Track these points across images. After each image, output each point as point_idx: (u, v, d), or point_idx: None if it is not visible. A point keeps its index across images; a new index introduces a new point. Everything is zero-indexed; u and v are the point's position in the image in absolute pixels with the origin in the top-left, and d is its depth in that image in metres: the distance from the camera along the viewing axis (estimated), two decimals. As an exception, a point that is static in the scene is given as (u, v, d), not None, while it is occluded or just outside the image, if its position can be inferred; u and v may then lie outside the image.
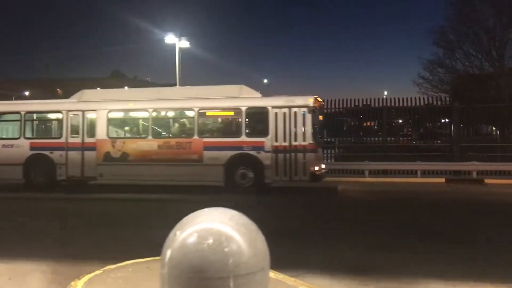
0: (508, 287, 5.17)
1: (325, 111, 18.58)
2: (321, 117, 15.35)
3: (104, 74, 74.60)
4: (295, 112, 14.06)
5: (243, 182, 14.23)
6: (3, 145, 16.01)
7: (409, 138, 27.14)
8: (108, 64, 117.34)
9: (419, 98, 23.19)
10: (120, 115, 16.27)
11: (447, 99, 27.08)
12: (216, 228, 2.62)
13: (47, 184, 15.42)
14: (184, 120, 15.74)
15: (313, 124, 14.07)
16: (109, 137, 15.41)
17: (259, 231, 2.79)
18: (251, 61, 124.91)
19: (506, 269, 5.83)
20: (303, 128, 14.01)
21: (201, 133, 14.87)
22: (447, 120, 24.73)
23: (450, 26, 30.39)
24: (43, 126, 17.33)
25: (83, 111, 15.71)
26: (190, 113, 15.27)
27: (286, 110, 14.13)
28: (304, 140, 13.97)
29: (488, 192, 15.22)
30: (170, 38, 26.67)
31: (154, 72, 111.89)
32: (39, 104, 17.86)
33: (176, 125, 15.86)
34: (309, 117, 13.98)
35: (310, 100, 14.18)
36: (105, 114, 15.47)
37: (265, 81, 59.12)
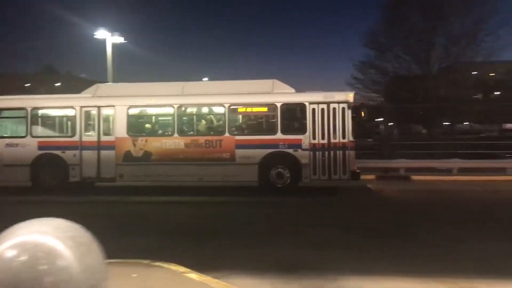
0: (424, 281, 5.39)
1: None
2: (362, 113, 14.75)
3: (36, 69, 70.76)
4: (334, 108, 13.53)
5: (279, 181, 13.51)
6: (7, 144, 14.36)
7: None
8: (40, 59, 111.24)
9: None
10: (141, 111, 14.89)
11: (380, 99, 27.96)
12: (35, 241, 2.26)
13: (57, 186, 13.92)
14: (214, 116, 14.60)
15: (353, 121, 13.57)
16: (130, 135, 14.07)
17: (93, 243, 2.45)
18: (191, 58, 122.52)
19: (427, 263, 6.10)
20: (343, 125, 13.45)
21: (233, 131, 13.97)
22: (380, 119, 25.48)
23: (380, 29, 31.56)
24: (53, 123, 15.47)
25: (99, 107, 14.30)
26: (220, 109, 14.14)
27: (324, 106, 13.57)
28: (344, 137, 13.42)
29: (415, 189, 15.45)
30: (101, 33, 25.35)
31: (89, 69, 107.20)
32: (49, 99, 15.71)
33: (205, 122, 14.62)
34: (349, 113, 13.49)
35: (350, 96, 13.76)
36: (125, 110, 14.13)
37: (205, 79, 58.13)
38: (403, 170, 18.96)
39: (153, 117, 14.98)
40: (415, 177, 17.99)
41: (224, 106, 13.91)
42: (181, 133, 14.07)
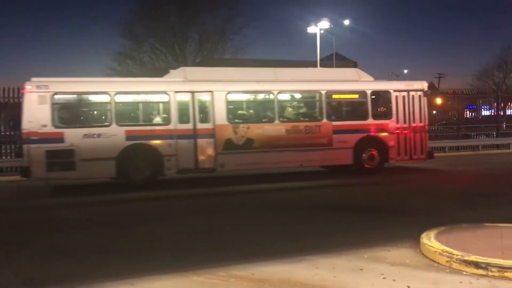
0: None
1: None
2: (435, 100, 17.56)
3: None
4: (413, 96, 15.17)
5: (371, 163, 14.68)
6: (86, 135, 12.38)
7: None
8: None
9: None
10: (241, 97, 14.40)
11: None
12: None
13: (149, 181, 12.84)
14: (312, 103, 15.08)
15: (428, 106, 15.66)
16: (230, 122, 13.53)
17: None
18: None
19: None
20: (420, 110, 15.20)
21: (330, 117, 14.49)
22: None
23: (136, 20, 31.18)
24: (141, 110, 13.86)
25: (192, 92, 13.32)
26: (317, 96, 14.59)
27: (405, 93, 15.12)
28: (421, 121, 15.22)
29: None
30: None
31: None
32: (135, 83, 14.47)
33: (304, 108, 15.07)
34: (425, 100, 15.36)
35: (425, 85, 15.82)
36: (223, 96, 13.46)
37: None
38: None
39: (254, 103, 14.72)
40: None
41: (321, 93, 14.41)
42: (282, 119, 14.17)
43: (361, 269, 5.32)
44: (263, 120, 14.24)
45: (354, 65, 40.03)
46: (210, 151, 13.29)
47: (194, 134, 13.21)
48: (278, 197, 11.33)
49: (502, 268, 4.86)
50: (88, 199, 11.75)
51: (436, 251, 5.49)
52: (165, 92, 13.25)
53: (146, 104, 13.91)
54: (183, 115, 13.24)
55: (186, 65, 27.05)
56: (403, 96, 15.10)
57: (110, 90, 12.82)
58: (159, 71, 22.94)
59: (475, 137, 25.55)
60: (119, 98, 12.91)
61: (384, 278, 5.00)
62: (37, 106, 12.13)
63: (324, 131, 14.26)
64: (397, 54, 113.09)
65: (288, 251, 6.12)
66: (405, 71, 72.69)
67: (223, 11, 31.51)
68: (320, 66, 29.67)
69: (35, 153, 11.98)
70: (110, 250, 6.63)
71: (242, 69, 15.64)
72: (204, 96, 13.47)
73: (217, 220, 8.66)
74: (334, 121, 14.42)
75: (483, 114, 30.37)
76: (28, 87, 12.22)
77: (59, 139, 12.21)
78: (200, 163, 13.24)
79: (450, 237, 5.96)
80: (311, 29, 30.68)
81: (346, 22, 34.18)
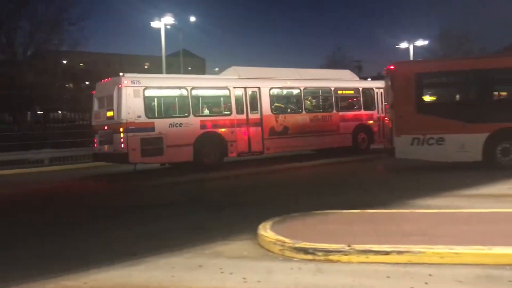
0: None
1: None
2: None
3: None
4: (382, 92, 18.12)
5: (363, 146, 18.69)
6: (171, 125, 14.44)
7: None
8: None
9: None
10: (279, 92, 17.58)
11: None
12: None
13: (217, 163, 15.27)
14: (326, 97, 18.51)
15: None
16: (273, 113, 16.64)
17: None
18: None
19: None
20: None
21: (338, 108, 18.35)
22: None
23: None
24: (209, 102, 16.28)
25: (245, 88, 16.15)
26: (329, 91, 18.31)
27: (382, 90, 17.77)
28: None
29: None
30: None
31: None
32: (205, 79, 18.14)
33: (321, 101, 18.61)
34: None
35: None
36: (267, 91, 16.56)
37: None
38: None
39: (287, 97, 18.17)
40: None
41: (331, 89, 18.31)
42: (307, 110, 17.75)
43: (200, 266, 5.35)
44: (294, 111, 17.61)
45: (202, 62, 40.54)
46: (258, 137, 16.24)
47: (247, 123, 16.09)
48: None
49: (327, 251, 5.30)
50: (192, 177, 13.87)
51: (271, 241, 5.77)
52: (226, 88, 15.95)
53: (214, 97, 16.57)
54: (239, 107, 16.01)
55: (15, 57, 26.81)
56: (381, 92, 18.27)
57: (187, 85, 15.12)
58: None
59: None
60: (194, 92, 15.21)
61: (222, 272, 5.10)
62: (133, 99, 13.93)
63: (335, 120, 18.11)
64: (244, 52, 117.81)
65: (127, 254, 5.90)
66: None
67: (57, 0, 28.73)
68: (167, 62, 29.50)
69: (132, 140, 13.81)
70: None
71: (274, 68, 18.74)
72: (253, 91, 16.35)
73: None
74: (340, 111, 18.34)
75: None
76: (124, 82, 13.98)
77: (151, 128, 14.14)
78: (252, 147, 16.10)
79: (284, 227, 6.34)
80: (155, 24, 30.15)
81: (192, 18, 34.35)
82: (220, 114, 15.84)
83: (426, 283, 4.46)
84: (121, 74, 14.25)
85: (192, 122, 14.72)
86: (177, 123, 14.50)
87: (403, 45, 40.41)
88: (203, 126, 14.97)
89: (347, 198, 9.40)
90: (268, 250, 5.75)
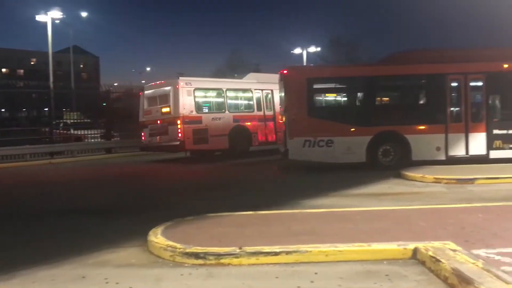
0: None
1: None
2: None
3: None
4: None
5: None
6: (213, 118, 17.89)
7: None
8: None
9: None
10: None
11: None
12: None
13: (244, 151, 18.44)
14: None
15: None
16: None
17: None
18: None
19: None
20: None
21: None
22: None
23: None
24: (238, 101, 19.69)
25: (262, 90, 19.52)
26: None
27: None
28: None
29: None
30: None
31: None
32: (233, 82, 20.83)
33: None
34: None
35: None
36: (277, 93, 17.48)
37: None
38: None
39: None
40: None
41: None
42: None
43: (84, 277, 5.04)
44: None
45: (96, 59, 38.76)
46: (272, 130, 19.29)
47: (264, 119, 19.44)
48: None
49: (218, 255, 5.26)
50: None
51: (161, 247, 5.60)
52: (250, 90, 19.45)
53: (241, 97, 19.74)
54: (258, 105, 19.41)
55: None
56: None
57: (223, 87, 18.77)
58: None
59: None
60: (228, 93, 18.86)
61: (107, 282, 4.84)
62: (186, 97, 17.42)
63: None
64: (141, 51, 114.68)
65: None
66: (148, 68, 74.33)
67: None
68: (56, 59, 27.78)
69: (187, 130, 17.20)
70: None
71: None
72: (267, 93, 19.58)
73: None
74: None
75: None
76: (181, 83, 17.51)
77: (199, 121, 17.56)
78: (268, 138, 19.22)
79: (176, 231, 6.21)
80: (41, 18, 28.15)
81: (84, 14, 32.66)
82: (245, 111, 19.33)
83: (312, 282, 4.62)
84: (179, 77, 18.38)
85: (227, 117, 18.23)
86: (217, 117, 17.96)
87: (298, 50, 42.08)
88: (235, 120, 18.45)
89: (242, 199, 9.52)
90: (158, 257, 5.57)
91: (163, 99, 17.95)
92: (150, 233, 6.16)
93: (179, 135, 17.06)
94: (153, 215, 7.72)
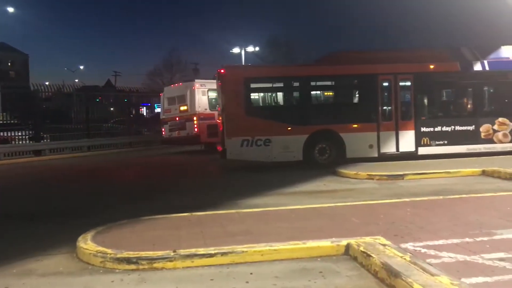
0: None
1: None
2: None
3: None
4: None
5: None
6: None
7: None
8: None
9: None
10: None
11: None
12: None
13: None
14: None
15: None
16: None
17: None
18: None
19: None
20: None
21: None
22: None
23: None
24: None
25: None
26: None
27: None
28: None
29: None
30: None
31: None
32: None
33: None
34: None
35: None
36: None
37: None
38: None
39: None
40: None
41: None
42: None
43: (7, 287, 4.67)
44: None
45: (25, 57, 36.77)
46: None
47: None
48: None
49: (152, 259, 5.10)
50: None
51: (90, 253, 5.38)
52: None
53: None
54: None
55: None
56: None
57: None
58: None
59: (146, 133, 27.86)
60: None
61: (32, 292, 4.51)
62: (201, 97, 20.06)
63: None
64: (74, 49, 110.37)
65: None
66: (81, 67, 71.59)
67: None
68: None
69: (202, 125, 19.59)
70: None
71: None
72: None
73: None
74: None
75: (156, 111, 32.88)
76: (196, 85, 20.18)
77: (212, 117, 18.98)
78: None
79: (107, 236, 5.98)
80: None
81: (11, 9, 30.81)
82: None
83: (247, 282, 4.59)
84: (195, 80, 20.85)
85: None
86: None
87: (236, 50, 42.11)
88: None
89: (177, 200, 9.37)
90: (88, 263, 5.35)
91: (181, 99, 20.58)
92: (80, 238, 5.90)
93: (195, 129, 19.71)
94: (83, 221, 7.41)
